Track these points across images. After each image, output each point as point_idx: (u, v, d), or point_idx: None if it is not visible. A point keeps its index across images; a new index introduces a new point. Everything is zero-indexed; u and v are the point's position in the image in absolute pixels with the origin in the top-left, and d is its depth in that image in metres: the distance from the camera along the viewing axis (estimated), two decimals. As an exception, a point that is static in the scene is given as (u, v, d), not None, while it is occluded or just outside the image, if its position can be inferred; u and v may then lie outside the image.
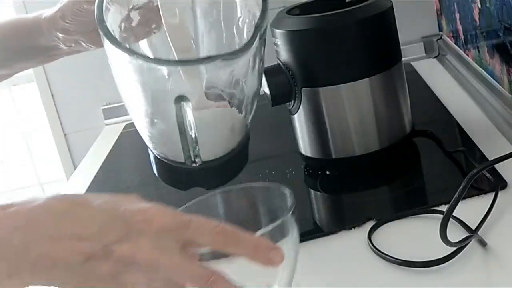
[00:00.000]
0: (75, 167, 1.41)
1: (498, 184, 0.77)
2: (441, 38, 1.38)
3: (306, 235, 0.76)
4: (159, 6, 0.71)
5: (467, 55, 1.18)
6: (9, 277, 0.49)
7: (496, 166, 0.78)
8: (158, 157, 0.73)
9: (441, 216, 0.65)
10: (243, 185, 0.66)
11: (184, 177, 0.73)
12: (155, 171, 0.75)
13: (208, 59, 0.64)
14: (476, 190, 0.78)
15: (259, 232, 0.55)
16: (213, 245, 0.52)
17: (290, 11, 0.94)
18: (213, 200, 0.66)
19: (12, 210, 0.51)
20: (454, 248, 0.66)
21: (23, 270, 0.49)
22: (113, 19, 0.70)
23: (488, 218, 0.72)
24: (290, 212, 0.57)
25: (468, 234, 0.69)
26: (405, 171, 0.93)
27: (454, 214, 0.66)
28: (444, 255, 0.66)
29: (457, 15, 1.20)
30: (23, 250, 0.49)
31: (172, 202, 0.93)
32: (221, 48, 0.74)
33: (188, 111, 0.67)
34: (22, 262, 0.49)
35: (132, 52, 0.64)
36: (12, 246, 0.49)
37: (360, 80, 0.88)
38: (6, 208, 0.51)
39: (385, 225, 0.77)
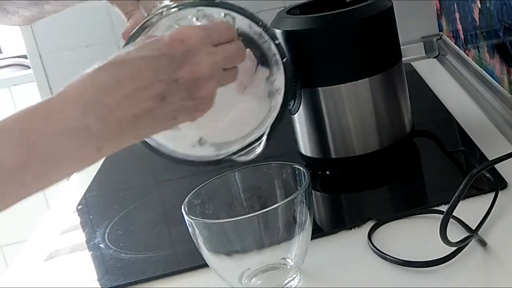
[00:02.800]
0: (75, 167, 1.40)
1: (498, 184, 0.77)
2: (441, 38, 1.38)
3: (306, 235, 0.76)
4: None
5: (467, 55, 1.18)
6: (99, 150, 0.54)
7: (496, 166, 0.78)
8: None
9: (441, 216, 0.65)
10: (260, 164, 0.73)
11: None
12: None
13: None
14: (476, 190, 0.78)
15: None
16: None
17: (290, 11, 0.94)
18: (232, 176, 0.73)
19: (67, 94, 0.54)
20: (454, 248, 0.66)
21: (112, 138, 0.54)
22: None
23: (488, 218, 0.72)
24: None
25: (468, 234, 0.69)
26: (405, 171, 0.93)
27: (454, 214, 0.66)
28: (444, 255, 0.66)
29: (457, 15, 1.20)
30: (105, 123, 0.53)
31: (172, 202, 0.93)
32: None
33: None
34: (109, 132, 0.53)
35: None
36: (93, 125, 0.52)
37: (360, 80, 0.88)
38: (60, 94, 0.54)
39: (385, 225, 0.77)
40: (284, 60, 0.69)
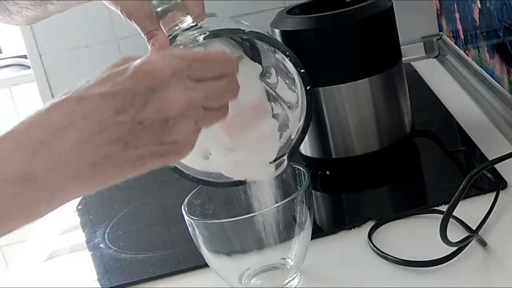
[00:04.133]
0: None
1: (499, 184, 0.77)
2: (441, 38, 1.38)
3: (306, 235, 0.76)
4: None
5: (467, 55, 1.18)
6: (50, 201, 0.47)
7: (496, 166, 0.78)
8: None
9: (441, 216, 0.65)
10: None
11: None
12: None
13: None
14: (476, 190, 0.78)
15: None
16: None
17: (290, 11, 0.94)
18: None
19: (15, 135, 0.47)
20: (454, 248, 0.66)
21: (67, 188, 0.47)
22: None
23: (488, 218, 0.72)
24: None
25: (468, 234, 0.69)
26: (405, 171, 0.93)
27: (454, 214, 0.66)
28: (444, 255, 0.66)
29: (457, 15, 1.20)
30: (58, 171, 0.46)
31: (172, 202, 0.93)
32: None
33: None
34: (63, 181, 0.46)
35: None
36: (43, 172, 0.46)
37: (360, 80, 0.88)
38: (9, 134, 0.47)
39: (385, 225, 0.77)
40: (308, 87, 0.68)
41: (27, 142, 0.46)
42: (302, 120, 0.71)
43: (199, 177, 0.70)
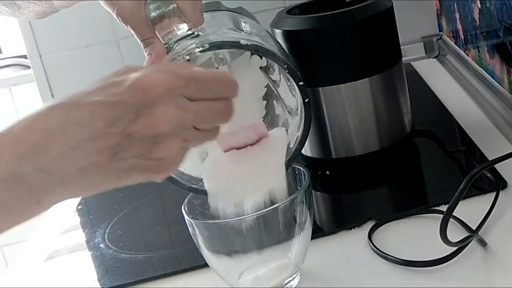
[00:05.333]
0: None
1: (499, 184, 0.77)
2: (441, 38, 1.38)
3: (306, 235, 0.76)
4: None
5: (467, 55, 1.18)
6: (38, 202, 0.47)
7: (496, 166, 0.78)
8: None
9: (441, 216, 0.65)
10: None
11: None
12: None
13: None
14: (476, 190, 0.78)
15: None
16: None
17: (290, 11, 0.94)
18: None
19: (10, 134, 0.47)
20: (454, 248, 0.66)
21: (53, 191, 0.47)
22: None
23: (488, 218, 0.72)
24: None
25: (468, 234, 0.69)
26: (405, 171, 0.93)
27: (454, 214, 0.66)
28: (444, 255, 0.66)
29: (457, 15, 1.20)
30: (44, 174, 0.46)
31: (172, 202, 0.93)
32: None
33: None
34: (49, 185, 0.47)
35: None
36: (30, 174, 0.46)
37: (360, 80, 0.88)
38: (3, 133, 0.47)
39: (385, 225, 0.77)
40: (306, 100, 0.68)
41: (18, 143, 0.46)
42: (300, 130, 0.71)
43: (193, 186, 0.70)
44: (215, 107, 0.52)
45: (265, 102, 0.73)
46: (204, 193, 0.68)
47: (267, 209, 0.64)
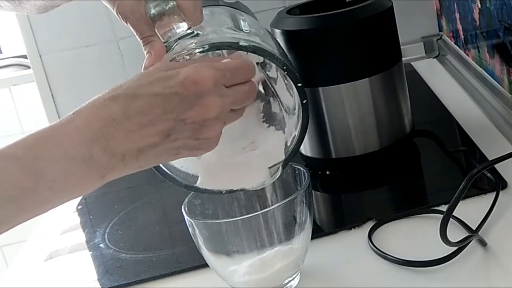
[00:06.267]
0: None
1: (499, 184, 0.77)
2: (441, 38, 1.38)
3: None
4: None
5: (467, 55, 1.18)
6: (102, 177, 0.55)
7: (496, 166, 0.78)
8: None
9: (441, 216, 0.65)
10: None
11: None
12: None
13: None
14: (476, 190, 0.78)
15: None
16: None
17: (290, 11, 0.94)
18: None
19: (76, 122, 0.55)
20: (454, 248, 0.66)
21: (115, 168, 0.55)
22: None
23: (488, 218, 0.72)
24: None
25: (468, 234, 0.69)
26: (405, 171, 0.93)
27: (454, 214, 0.66)
28: (444, 255, 0.66)
29: (457, 15, 1.20)
30: (110, 154, 0.54)
31: (172, 202, 0.93)
32: None
33: None
34: (113, 163, 0.55)
35: None
36: (98, 155, 0.54)
37: (360, 80, 0.88)
38: (69, 121, 0.55)
39: (385, 225, 0.77)
40: (305, 101, 0.68)
41: (87, 128, 0.54)
42: (298, 130, 0.70)
43: (191, 184, 0.70)
44: (245, 89, 0.60)
45: (259, 100, 0.73)
46: (201, 190, 0.68)
47: (267, 209, 0.64)
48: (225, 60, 0.61)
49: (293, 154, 0.71)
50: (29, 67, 1.75)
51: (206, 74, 0.57)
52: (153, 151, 0.56)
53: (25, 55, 1.48)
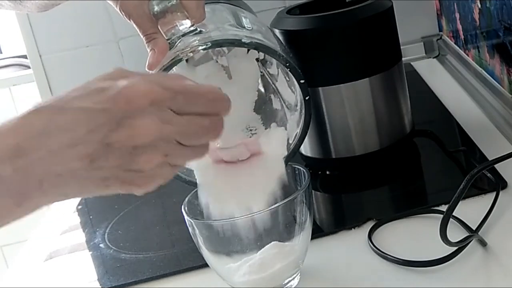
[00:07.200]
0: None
1: (499, 184, 0.77)
2: (441, 38, 1.38)
3: (306, 235, 0.76)
4: None
5: (467, 55, 1.18)
6: (18, 206, 0.47)
7: (496, 166, 0.78)
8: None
9: (441, 216, 0.65)
10: None
11: None
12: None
13: None
14: (476, 190, 0.78)
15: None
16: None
17: (290, 11, 0.94)
18: None
19: None
20: (454, 248, 0.66)
21: (32, 195, 0.47)
22: None
23: (488, 218, 0.72)
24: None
25: (468, 234, 0.69)
26: (405, 171, 0.93)
27: (454, 214, 0.66)
28: (444, 255, 0.66)
29: (457, 15, 1.20)
30: (24, 176, 0.46)
31: (172, 202, 0.93)
32: None
33: None
34: (28, 188, 0.47)
35: None
36: (9, 176, 0.46)
37: (360, 80, 0.88)
38: None
39: (385, 225, 0.77)
40: (307, 98, 0.68)
41: (0, 145, 0.46)
42: (300, 126, 0.70)
43: (194, 180, 0.70)
44: (202, 123, 0.50)
45: (256, 93, 0.73)
46: None
47: (267, 209, 0.64)
48: (190, 82, 0.52)
49: (296, 150, 0.71)
50: (29, 67, 1.75)
51: (142, 89, 0.48)
52: (75, 178, 0.48)
53: (25, 55, 1.48)
